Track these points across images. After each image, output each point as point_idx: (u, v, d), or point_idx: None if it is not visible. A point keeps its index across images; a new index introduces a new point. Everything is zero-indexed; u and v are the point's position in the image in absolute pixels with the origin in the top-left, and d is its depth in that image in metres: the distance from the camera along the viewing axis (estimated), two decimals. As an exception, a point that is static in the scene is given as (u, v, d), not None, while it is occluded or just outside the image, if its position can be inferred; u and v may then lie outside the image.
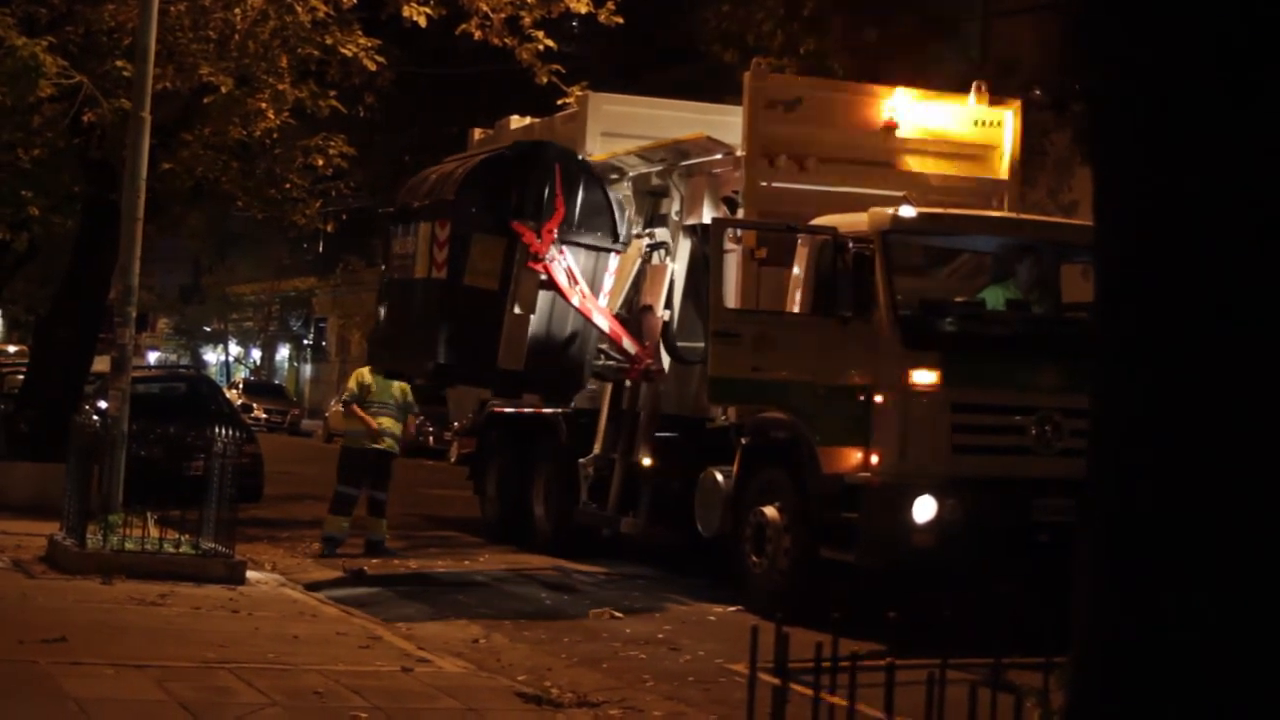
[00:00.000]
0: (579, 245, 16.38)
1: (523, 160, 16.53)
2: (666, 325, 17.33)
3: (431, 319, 16.32)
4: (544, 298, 16.23)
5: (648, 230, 17.90)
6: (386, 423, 18.72)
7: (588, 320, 16.38)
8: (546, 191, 16.14)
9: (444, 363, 16.22)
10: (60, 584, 14.23)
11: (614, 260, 16.74)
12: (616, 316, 16.87)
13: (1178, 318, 4.48)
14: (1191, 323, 4.46)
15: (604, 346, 16.99)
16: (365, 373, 18.99)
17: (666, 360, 17.23)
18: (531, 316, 16.17)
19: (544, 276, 16.06)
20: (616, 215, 16.72)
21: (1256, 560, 4.44)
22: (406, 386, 18.96)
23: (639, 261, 17.64)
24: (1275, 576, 4.42)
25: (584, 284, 16.24)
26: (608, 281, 16.71)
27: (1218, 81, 4.43)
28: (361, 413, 18.67)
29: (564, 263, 16.12)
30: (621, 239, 16.77)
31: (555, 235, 16.05)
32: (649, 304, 17.43)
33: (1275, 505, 4.43)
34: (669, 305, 17.27)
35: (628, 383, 17.53)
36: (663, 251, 17.73)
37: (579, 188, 16.44)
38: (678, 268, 17.41)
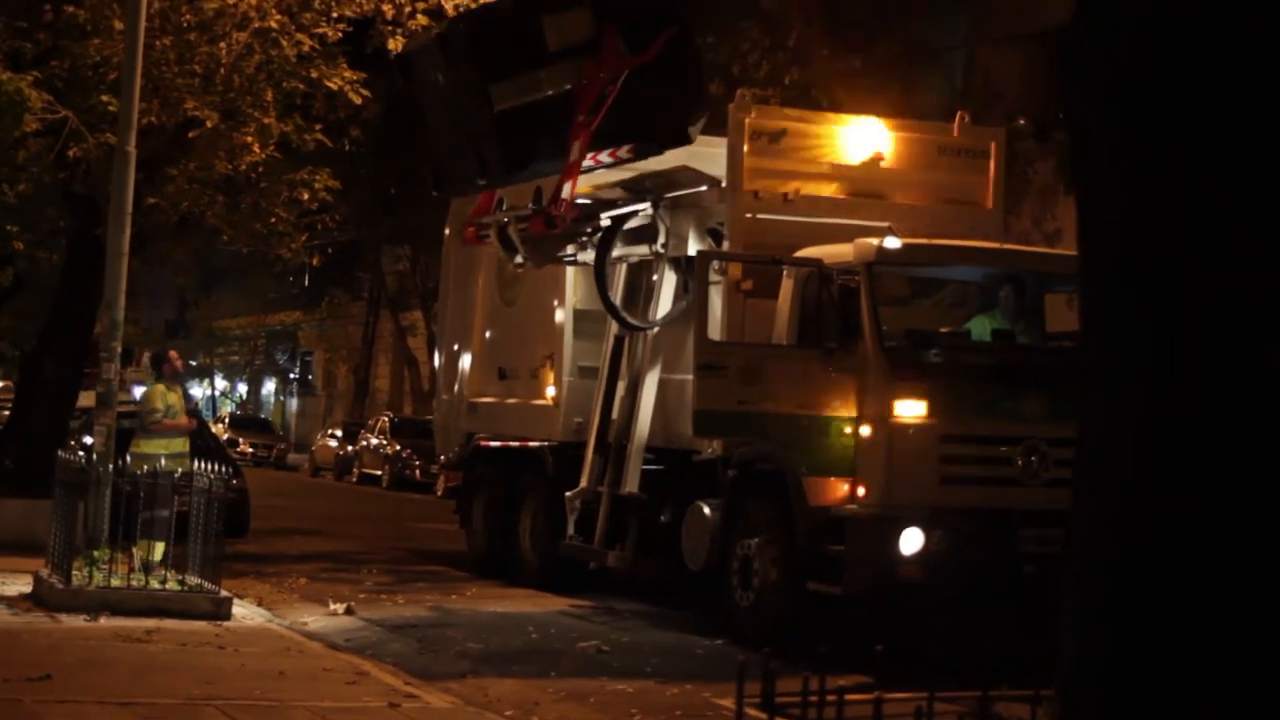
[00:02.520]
0: (627, 105, 15.86)
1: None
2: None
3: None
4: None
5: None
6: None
7: (570, 141, 15.81)
8: (655, 36, 15.82)
9: (459, 33, 15.92)
10: (45, 621, 14.18)
11: (623, 149, 16.43)
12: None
13: (1161, 347, 4.48)
14: (1175, 352, 4.46)
15: (546, 185, 16.48)
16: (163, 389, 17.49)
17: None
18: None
19: (585, 81, 15.68)
20: (671, 115, 16.38)
21: (1243, 593, 4.43)
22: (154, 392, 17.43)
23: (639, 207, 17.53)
24: (1260, 610, 4.41)
25: (598, 124, 15.81)
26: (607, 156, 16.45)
27: (1199, 112, 4.44)
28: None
29: (605, 95, 15.72)
30: (657, 145, 16.47)
31: (623, 74, 15.69)
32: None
33: (1261, 537, 4.43)
34: (647, 310, 17.26)
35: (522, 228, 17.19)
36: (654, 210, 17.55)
37: (680, 65, 16.15)
38: (664, 298, 17.40)
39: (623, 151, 16.38)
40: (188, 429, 17.43)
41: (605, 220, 17.30)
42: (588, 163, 16.19)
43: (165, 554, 15.82)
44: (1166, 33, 4.48)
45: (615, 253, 17.55)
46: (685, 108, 16.34)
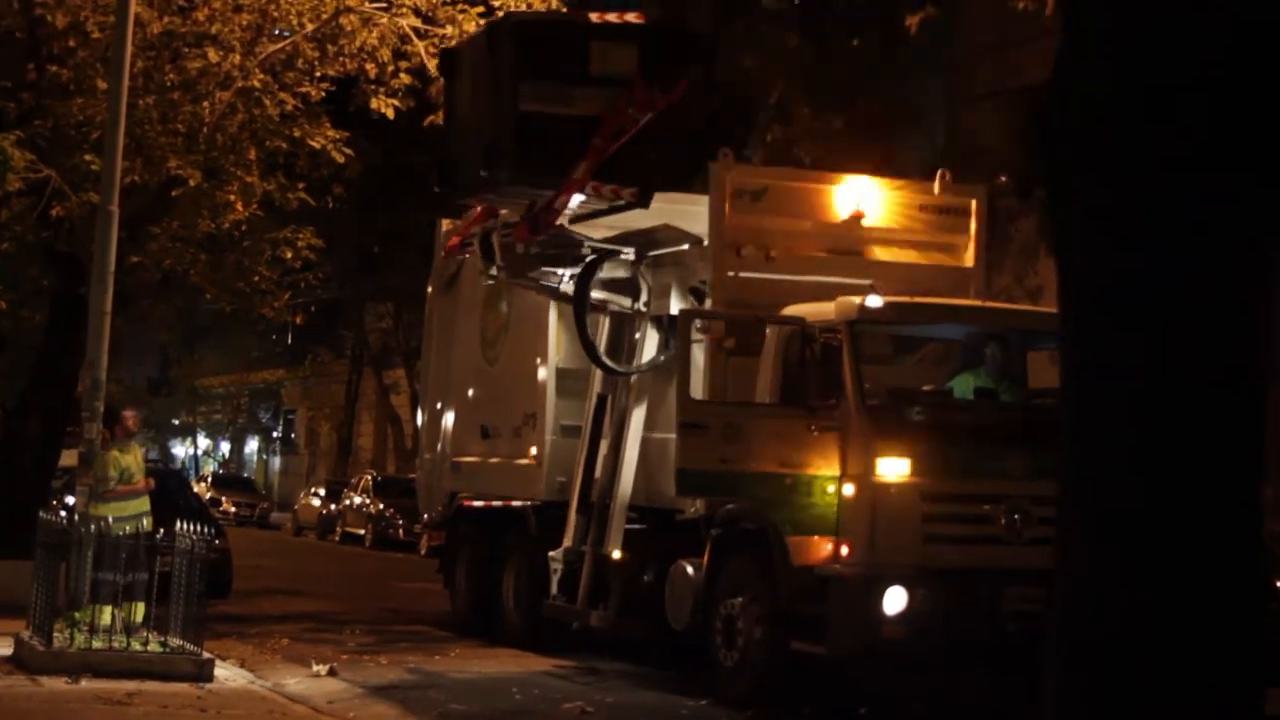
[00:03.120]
0: (644, 148, 15.89)
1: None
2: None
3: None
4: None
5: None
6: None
7: (581, 159, 15.77)
8: (677, 79, 15.85)
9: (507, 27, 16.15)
10: (26, 683, 14.10)
11: (627, 191, 16.38)
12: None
13: (1142, 403, 4.49)
14: (1157, 408, 4.47)
15: (544, 199, 16.45)
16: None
17: None
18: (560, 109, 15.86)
19: (614, 111, 15.74)
20: (679, 162, 16.52)
21: (1220, 650, 4.43)
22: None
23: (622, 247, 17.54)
24: (1232, 669, 4.41)
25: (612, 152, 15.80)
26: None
27: (1174, 172, 4.47)
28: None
29: (627, 128, 15.72)
30: (658, 188, 16.40)
31: (648, 114, 15.68)
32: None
33: (1235, 593, 4.43)
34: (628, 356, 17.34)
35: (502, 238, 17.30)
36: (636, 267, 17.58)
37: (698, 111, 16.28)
38: (646, 356, 17.38)
39: (626, 193, 16.36)
40: (145, 491, 17.28)
41: (587, 251, 17.25)
42: (588, 191, 16.17)
43: (147, 615, 15.77)
44: (1142, 90, 4.51)
45: (595, 295, 17.47)
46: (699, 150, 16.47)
